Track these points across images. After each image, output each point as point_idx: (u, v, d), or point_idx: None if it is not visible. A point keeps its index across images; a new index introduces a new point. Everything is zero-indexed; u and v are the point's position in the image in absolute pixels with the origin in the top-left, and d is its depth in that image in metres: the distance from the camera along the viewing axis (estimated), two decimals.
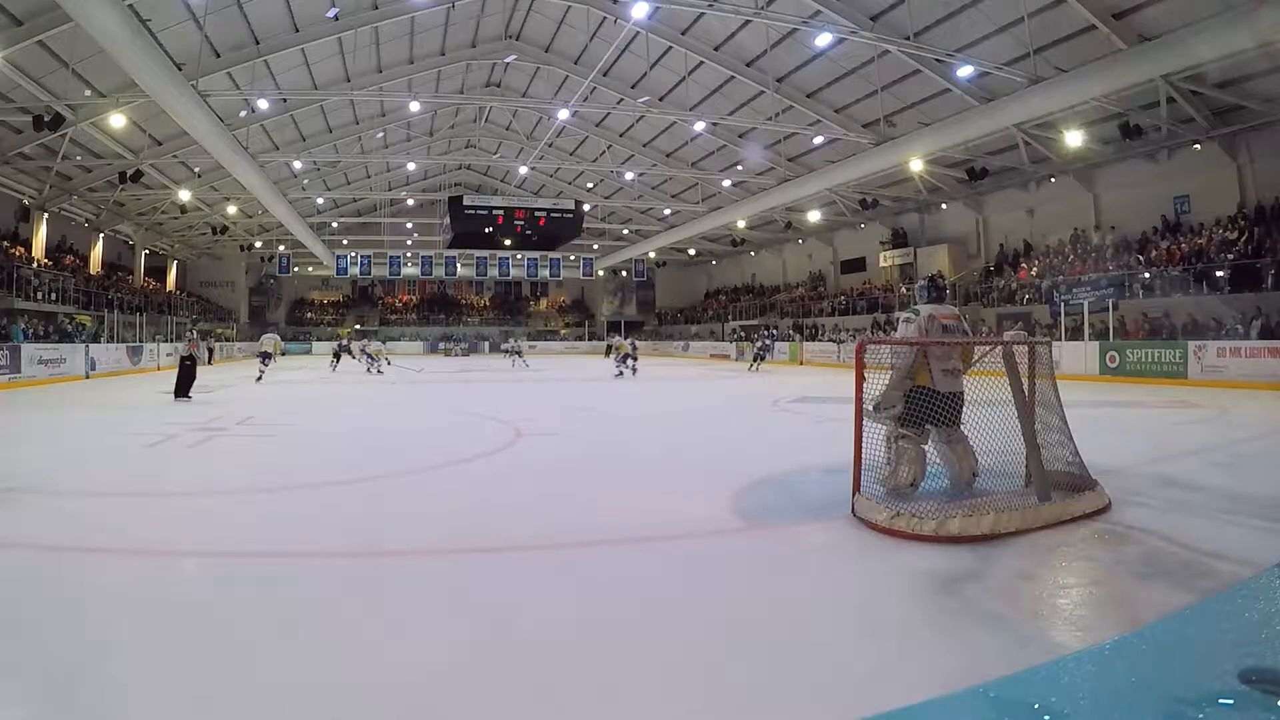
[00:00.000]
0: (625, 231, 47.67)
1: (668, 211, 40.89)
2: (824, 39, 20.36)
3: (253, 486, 6.84)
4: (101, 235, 34.74)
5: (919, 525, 4.73)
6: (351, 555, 4.75)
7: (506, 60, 28.30)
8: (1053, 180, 26.77)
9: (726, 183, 34.00)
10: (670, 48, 24.90)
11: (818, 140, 26.64)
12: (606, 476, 7.41)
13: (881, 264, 36.44)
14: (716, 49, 24.69)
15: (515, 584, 4.15)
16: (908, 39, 19.19)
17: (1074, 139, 21.92)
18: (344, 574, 4.40)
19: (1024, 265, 27.91)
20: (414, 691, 2.82)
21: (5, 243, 27.38)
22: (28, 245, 28.44)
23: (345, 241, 49.25)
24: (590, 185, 41.83)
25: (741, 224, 38.45)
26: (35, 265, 27.43)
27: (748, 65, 24.69)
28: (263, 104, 24.82)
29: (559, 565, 4.57)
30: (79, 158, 26.44)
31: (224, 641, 3.31)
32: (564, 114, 26.34)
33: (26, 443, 9.68)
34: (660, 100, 27.70)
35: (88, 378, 22.91)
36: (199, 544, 5.03)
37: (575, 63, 28.23)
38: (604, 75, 25.87)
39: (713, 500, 5.93)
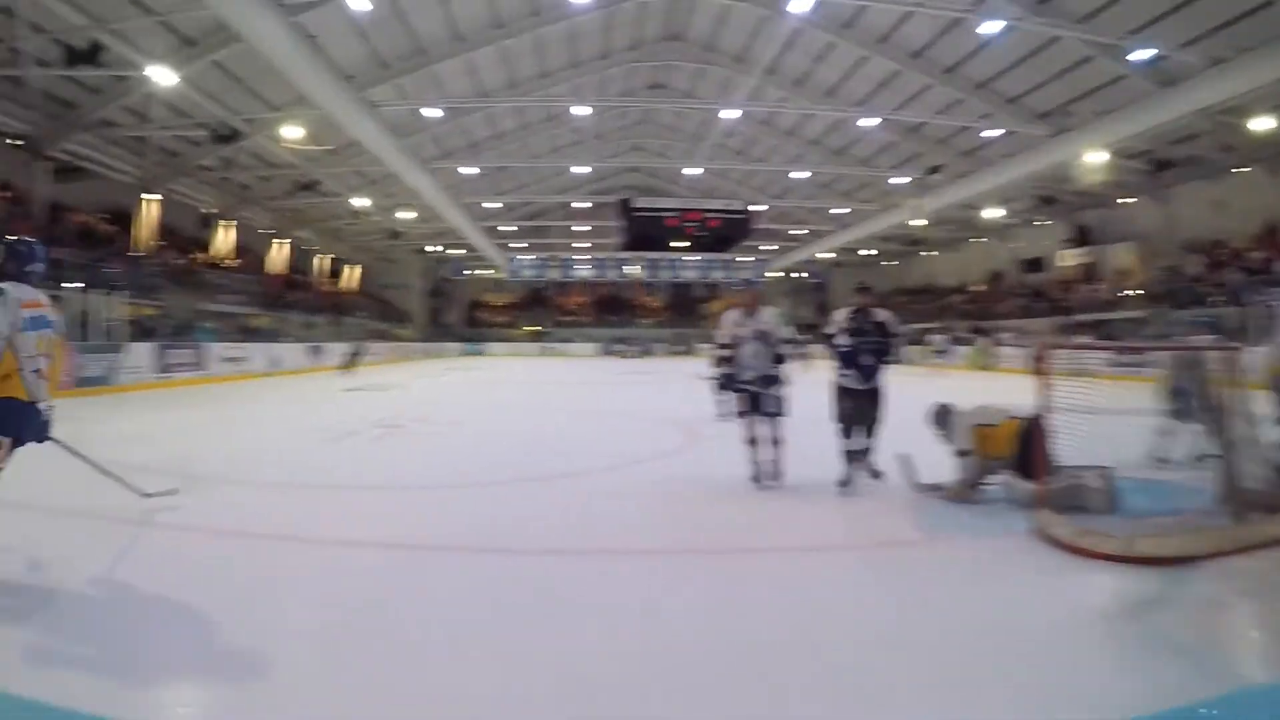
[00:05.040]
0: (796, 232, 46.68)
1: (839, 210, 39.76)
2: (991, 26, 19.56)
3: (437, 482, 7.34)
4: (281, 241, 37.62)
5: (1103, 544, 4.56)
6: (512, 553, 4.95)
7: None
8: (1245, 170, 24.71)
9: (898, 180, 32.80)
10: (833, 42, 24.54)
11: (991, 133, 25.65)
12: (790, 483, 6.96)
13: (1063, 263, 34.52)
14: (881, 41, 24.11)
15: (697, 588, 4.26)
16: (1078, 23, 18.28)
17: (1263, 124, 20.17)
18: (511, 573, 4.55)
19: (1215, 262, 25.94)
20: (574, 694, 2.96)
21: (197, 252, 30.32)
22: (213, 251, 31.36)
23: (518, 244, 50.28)
24: (759, 184, 41.13)
25: (916, 222, 36.97)
26: (220, 269, 30.13)
27: (913, 57, 23.96)
28: (432, 112, 25.67)
29: (724, 569, 4.65)
30: (256, 168, 28.77)
31: (395, 634, 3.46)
32: (730, 114, 26.27)
33: (214, 436, 10.60)
34: (826, 96, 27.35)
35: (270, 375, 24.52)
36: (375, 536, 5.23)
37: (738, 61, 28.06)
38: (768, 74, 25.64)
39: (895, 512, 5.87)
